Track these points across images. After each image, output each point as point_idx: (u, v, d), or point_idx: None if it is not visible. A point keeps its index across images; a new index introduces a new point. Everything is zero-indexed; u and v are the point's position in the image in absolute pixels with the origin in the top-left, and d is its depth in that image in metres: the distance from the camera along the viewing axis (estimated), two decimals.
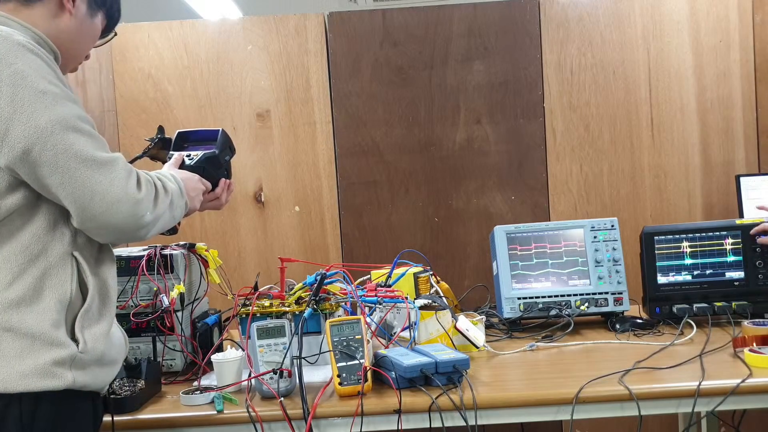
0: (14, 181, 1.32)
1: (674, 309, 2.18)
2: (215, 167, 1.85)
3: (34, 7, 1.45)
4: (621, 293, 2.27)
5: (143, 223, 1.40)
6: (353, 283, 2.01)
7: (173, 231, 1.85)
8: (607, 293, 2.27)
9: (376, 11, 3.05)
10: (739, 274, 2.20)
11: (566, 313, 2.20)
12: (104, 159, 1.36)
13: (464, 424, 1.58)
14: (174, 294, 1.93)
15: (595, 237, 2.31)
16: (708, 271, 2.21)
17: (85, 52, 1.59)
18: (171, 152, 1.87)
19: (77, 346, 1.34)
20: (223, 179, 1.87)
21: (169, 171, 1.68)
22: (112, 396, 1.66)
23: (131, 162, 2.01)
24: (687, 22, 3.02)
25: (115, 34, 1.66)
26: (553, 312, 2.22)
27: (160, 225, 1.48)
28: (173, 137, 1.94)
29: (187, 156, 1.83)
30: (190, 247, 2.06)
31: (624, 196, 3.06)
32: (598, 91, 3.04)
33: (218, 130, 1.92)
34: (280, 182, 3.07)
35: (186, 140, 1.93)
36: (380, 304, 1.97)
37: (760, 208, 2.28)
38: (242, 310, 1.93)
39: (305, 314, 1.87)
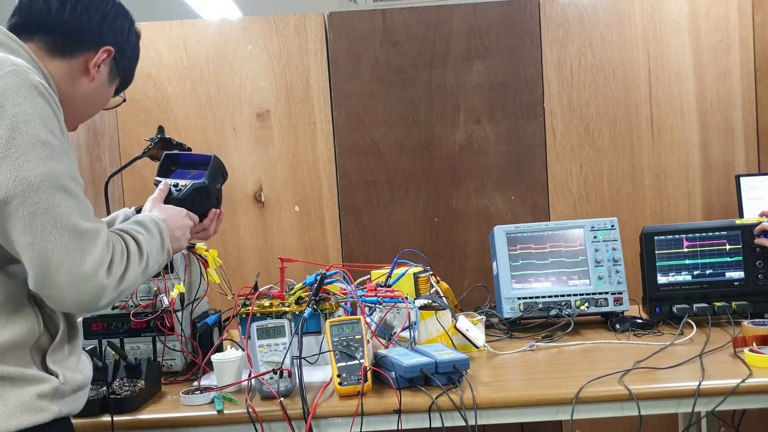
0: None
1: (674, 309, 2.18)
2: (205, 198, 1.76)
3: (61, 61, 1.40)
4: (621, 293, 2.27)
5: (101, 304, 1.31)
6: (353, 283, 2.01)
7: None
8: (607, 293, 2.27)
9: (376, 11, 3.05)
10: (739, 274, 2.20)
11: (566, 313, 2.20)
12: (84, 229, 1.26)
13: (464, 424, 1.58)
14: (174, 294, 1.93)
15: (595, 237, 2.31)
16: (708, 271, 2.21)
17: (92, 115, 1.54)
18: (158, 178, 1.78)
19: (58, 378, 1.31)
20: (213, 209, 1.79)
21: (153, 214, 1.56)
22: (112, 396, 1.66)
23: (131, 162, 2.02)
24: (687, 22, 3.02)
25: (124, 100, 1.63)
26: (553, 312, 2.22)
27: (124, 294, 1.37)
28: (161, 158, 1.85)
29: (175, 186, 1.73)
30: (190, 247, 2.06)
31: (624, 196, 3.06)
32: (598, 91, 3.04)
33: (210, 156, 1.80)
34: (280, 182, 3.07)
35: (174, 163, 1.83)
36: (380, 304, 1.97)
37: (763, 214, 2.27)
38: (242, 310, 1.93)
39: (305, 314, 1.87)
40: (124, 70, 1.53)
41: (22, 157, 1.20)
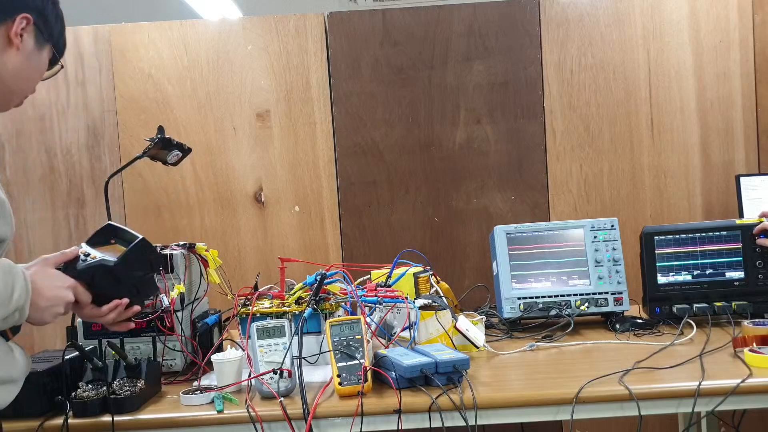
0: None
1: (674, 309, 2.18)
2: (110, 281, 1.54)
3: None
4: (621, 293, 2.27)
5: None
6: (353, 283, 2.01)
7: (13, 330, 1.48)
8: (607, 293, 2.27)
9: (376, 11, 3.05)
10: (739, 274, 2.20)
11: (566, 313, 2.20)
12: None
13: (464, 424, 1.58)
14: (174, 294, 1.93)
15: (595, 237, 2.31)
16: (708, 271, 2.21)
17: (31, 87, 1.51)
18: (83, 245, 1.59)
19: None
20: (117, 299, 1.56)
21: (23, 267, 1.44)
22: (112, 396, 1.66)
23: (131, 162, 2.03)
24: (687, 22, 3.02)
25: (62, 67, 1.59)
26: (553, 312, 2.22)
27: None
28: (101, 227, 1.66)
29: (85, 255, 1.55)
30: (190, 247, 2.06)
31: (624, 196, 3.06)
32: (598, 91, 3.04)
33: (136, 239, 1.60)
34: (280, 182, 3.07)
35: (114, 235, 1.64)
36: (380, 304, 1.97)
37: (763, 215, 2.26)
38: (242, 310, 1.93)
39: (305, 314, 1.87)
40: (50, 37, 1.50)
41: None
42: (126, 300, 1.57)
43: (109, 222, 1.68)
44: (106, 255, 1.56)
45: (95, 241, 1.62)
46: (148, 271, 1.64)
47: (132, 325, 1.64)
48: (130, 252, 1.57)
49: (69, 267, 1.53)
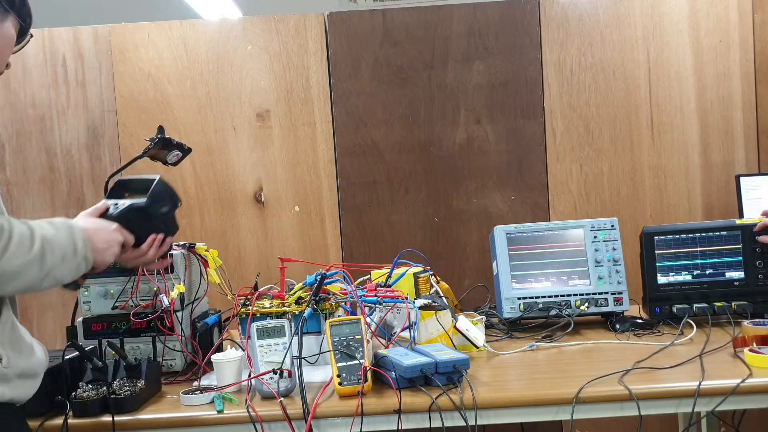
0: None
1: (674, 309, 2.18)
2: (144, 220, 1.65)
3: None
4: (621, 293, 2.27)
5: None
6: (353, 283, 2.01)
7: (74, 286, 1.59)
8: (607, 293, 2.27)
9: (376, 11, 3.05)
10: (739, 274, 2.20)
11: (566, 313, 2.20)
12: None
13: (464, 424, 1.58)
14: (174, 294, 1.93)
15: (595, 237, 2.31)
16: (708, 271, 2.21)
17: (3, 60, 1.46)
18: (104, 200, 1.68)
19: (0, 361, 1.32)
20: (153, 234, 1.67)
21: (78, 220, 1.52)
22: (112, 396, 1.66)
23: (131, 162, 2.02)
24: (687, 22, 3.02)
25: (32, 36, 1.53)
26: (553, 312, 2.22)
27: (18, 283, 1.32)
28: (111, 186, 1.75)
29: (114, 205, 1.64)
30: (190, 247, 2.06)
31: (624, 196, 3.06)
32: (598, 91, 3.04)
33: (155, 178, 1.71)
34: (280, 182, 3.07)
35: (126, 189, 1.72)
36: (380, 304, 1.97)
37: (765, 214, 2.26)
38: (242, 310, 1.93)
39: (305, 314, 1.87)
40: (11, 5, 1.43)
41: None
42: (161, 235, 1.68)
43: (119, 179, 1.76)
44: (131, 200, 1.66)
45: (111, 197, 1.69)
46: (172, 206, 1.73)
47: (169, 260, 1.78)
48: (156, 189, 1.68)
49: (104, 217, 1.62)
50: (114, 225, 1.58)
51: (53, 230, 1.39)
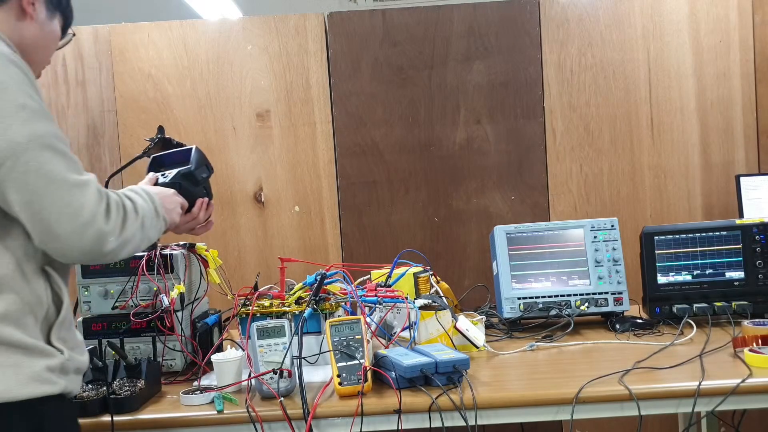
0: None
1: (674, 309, 2.18)
2: (192, 184, 1.80)
3: None
4: (621, 293, 2.27)
5: (108, 249, 1.37)
6: (353, 283, 2.01)
7: (153, 247, 1.84)
8: (607, 293, 2.27)
9: (376, 11, 3.05)
10: (739, 274, 2.20)
11: (566, 313, 2.20)
12: (76, 181, 1.32)
13: (464, 424, 1.58)
14: (174, 294, 1.93)
15: (595, 237, 2.31)
16: (708, 271, 2.21)
17: (48, 57, 1.55)
18: (149, 174, 1.83)
19: (63, 354, 1.36)
20: (200, 198, 1.83)
21: (144, 187, 1.63)
22: (112, 396, 1.66)
23: (131, 162, 2.03)
24: (687, 22, 3.02)
25: (74, 35, 1.63)
26: (553, 312, 2.22)
27: (130, 248, 1.44)
28: (149, 163, 1.90)
29: (162, 174, 1.79)
30: (190, 247, 2.06)
31: (624, 196, 3.06)
32: (598, 91, 3.04)
33: (191, 147, 1.87)
34: (280, 182, 3.07)
35: (161, 165, 1.87)
36: (380, 304, 1.97)
37: None
38: (242, 310, 1.93)
39: (305, 314, 1.87)
40: (59, 4, 1.53)
41: (5, 122, 1.26)
42: (206, 198, 1.84)
43: (154, 155, 1.90)
44: (176, 168, 1.80)
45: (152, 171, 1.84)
46: (209, 172, 1.88)
47: (212, 225, 1.91)
48: (195, 155, 1.83)
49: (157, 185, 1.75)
50: (172, 190, 1.72)
51: (139, 198, 1.50)
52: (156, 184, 1.76)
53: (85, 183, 1.33)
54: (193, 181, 1.81)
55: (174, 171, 1.79)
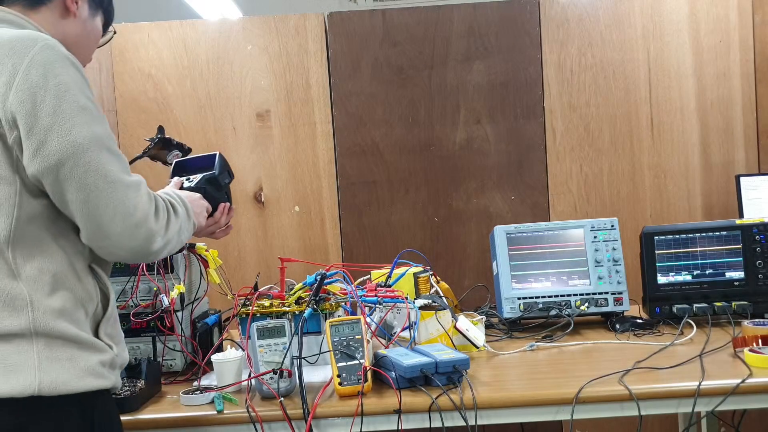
0: (37, 191, 1.33)
1: (674, 309, 2.18)
2: (215, 189, 1.84)
3: (40, 11, 1.45)
4: (621, 293, 2.27)
5: (153, 249, 1.41)
6: (353, 283, 2.01)
7: (182, 248, 1.92)
8: (607, 293, 2.27)
9: (376, 11, 3.05)
10: (739, 274, 2.20)
11: (566, 313, 2.20)
12: (130, 182, 1.37)
13: (464, 424, 1.58)
14: (174, 294, 1.93)
15: (595, 237, 2.31)
16: (708, 271, 2.21)
17: (90, 54, 1.60)
18: (170, 179, 1.86)
19: (112, 350, 1.40)
20: (222, 203, 1.85)
21: (176, 191, 1.68)
22: (112, 396, 1.65)
23: (131, 162, 2.03)
24: (687, 22, 3.02)
25: (115, 33, 1.67)
26: (553, 312, 2.22)
27: (168, 249, 1.48)
28: (171, 168, 1.94)
29: (187, 179, 1.82)
30: (190, 247, 2.06)
31: (624, 196, 3.06)
32: (598, 91, 3.04)
33: (215, 153, 1.90)
34: (280, 182, 3.07)
35: (184, 170, 1.91)
36: (380, 304, 1.97)
37: None
38: (242, 310, 1.93)
39: (305, 314, 1.87)
40: (101, 3, 1.57)
41: (69, 122, 1.30)
42: (228, 203, 1.87)
43: (177, 160, 1.96)
44: (201, 174, 1.84)
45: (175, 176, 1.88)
46: (230, 178, 1.91)
47: (232, 228, 1.94)
48: (219, 162, 1.87)
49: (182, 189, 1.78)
50: (197, 194, 1.76)
51: (175, 202, 1.54)
52: (181, 188, 1.79)
53: (137, 184, 1.38)
54: (217, 186, 1.84)
55: (199, 176, 1.82)
